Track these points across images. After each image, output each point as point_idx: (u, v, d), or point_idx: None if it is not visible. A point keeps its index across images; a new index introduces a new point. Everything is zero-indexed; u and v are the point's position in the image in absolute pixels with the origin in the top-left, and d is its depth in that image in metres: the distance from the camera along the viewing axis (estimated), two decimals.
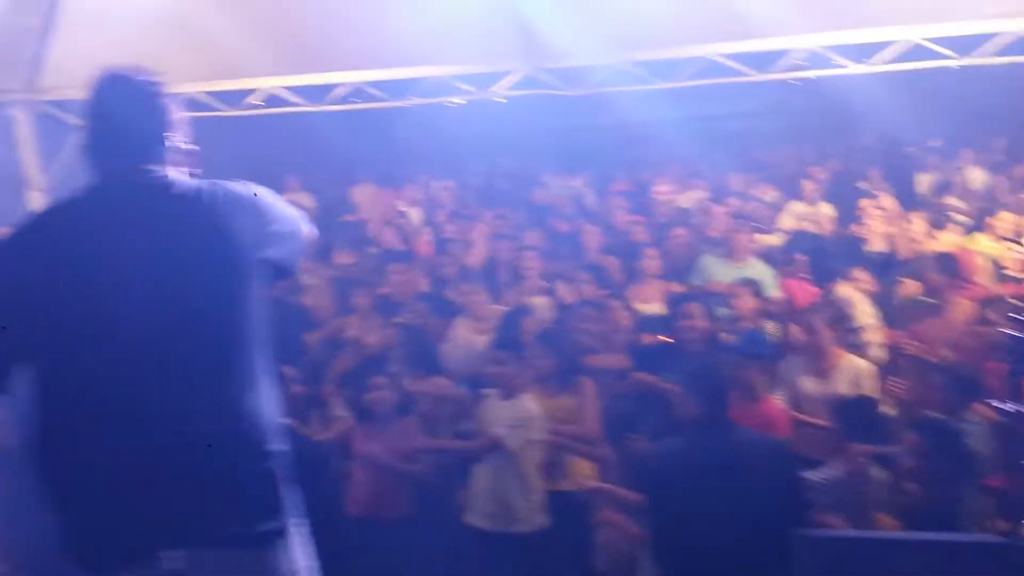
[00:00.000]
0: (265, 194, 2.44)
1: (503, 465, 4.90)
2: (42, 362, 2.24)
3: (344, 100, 8.65)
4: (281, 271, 2.46)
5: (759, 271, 6.70)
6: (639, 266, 6.84)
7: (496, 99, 8.72)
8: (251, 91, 8.61)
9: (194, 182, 2.36)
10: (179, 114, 2.41)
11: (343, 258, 7.82)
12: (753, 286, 5.90)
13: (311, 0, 7.19)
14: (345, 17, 7.10)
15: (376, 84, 8.64)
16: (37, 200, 9.64)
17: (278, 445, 2.34)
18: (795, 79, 8.43)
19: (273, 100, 8.68)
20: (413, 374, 5.46)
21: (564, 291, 6.61)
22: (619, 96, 9.52)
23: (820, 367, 5.14)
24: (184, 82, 8.91)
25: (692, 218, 8.70)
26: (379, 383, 5.24)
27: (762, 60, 7.96)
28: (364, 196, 11.78)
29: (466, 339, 5.93)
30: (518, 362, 5.00)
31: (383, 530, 5.07)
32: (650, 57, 7.85)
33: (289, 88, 8.58)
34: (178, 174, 2.37)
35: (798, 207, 9.17)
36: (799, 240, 7.14)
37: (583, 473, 5.10)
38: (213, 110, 9.15)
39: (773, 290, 6.37)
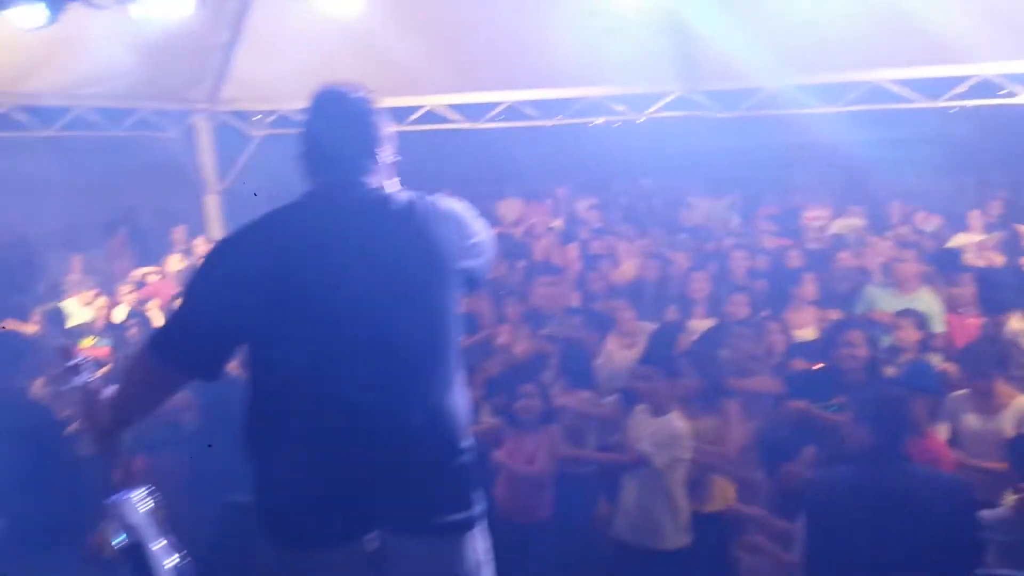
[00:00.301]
0: (465, 208, 2.59)
1: (650, 482, 4.92)
2: (260, 354, 2.43)
3: (498, 118, 8.91)
4: (473, 281, 2.59)
5: (927, 303, 6.52)
6: (793, 291, 6.75)
7: (650, 119, 8.82)
8: (417, 108, 8.96)
9: (404, 194, 2.51)
10: (388, 128, 2.56)
11: (495, 270, 8.01)
12: (917, 317, 5.74)
13: (483, 22, 7.41)
14: (512, 38, 7.31)
15: (532, 103, 8.88)
16: (213, 204, 10.36)
17: (470, 441, 2.48)
18: (959, 107, 8.20)
19: (432, 117, 9.02)
20: (564, 385, 5.55)
21: (713, 313, 6.61)
22: (774, 119, 9.48)
23: (987, 404, 4.94)
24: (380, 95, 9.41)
25: (848, 245, 8.50)
26: (527, 391, 5.31)
27: (931, 87, 7.77)
28: (510, 210, 12.02)
29: (615, 354, 5.99)
30: (668, 380, 5.02)
31: (522, 535, 5.14)
32: (817, 81, 7.72)
33: (451, 106, 8.92)
34: (389, 186, 2.53)
35: (963, 238, 8.83)
36: (967, 272, 6.86)
37: (727, 495, 5.08)
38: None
39: (939, 323, 6.17)
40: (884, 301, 6.63)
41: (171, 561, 2.44)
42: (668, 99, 8.57)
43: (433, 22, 7.26)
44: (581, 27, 7.02)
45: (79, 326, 7.10)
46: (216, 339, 2.39)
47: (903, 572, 3.35)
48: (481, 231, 2.61)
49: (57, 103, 8.49)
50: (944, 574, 3.35)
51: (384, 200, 2.46)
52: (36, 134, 8.70)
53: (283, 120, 10.06)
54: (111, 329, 7.00)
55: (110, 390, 2.52)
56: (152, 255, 11.31)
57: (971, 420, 4.94)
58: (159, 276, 9.06)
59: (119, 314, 7.48)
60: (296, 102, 9.67)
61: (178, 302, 2.53)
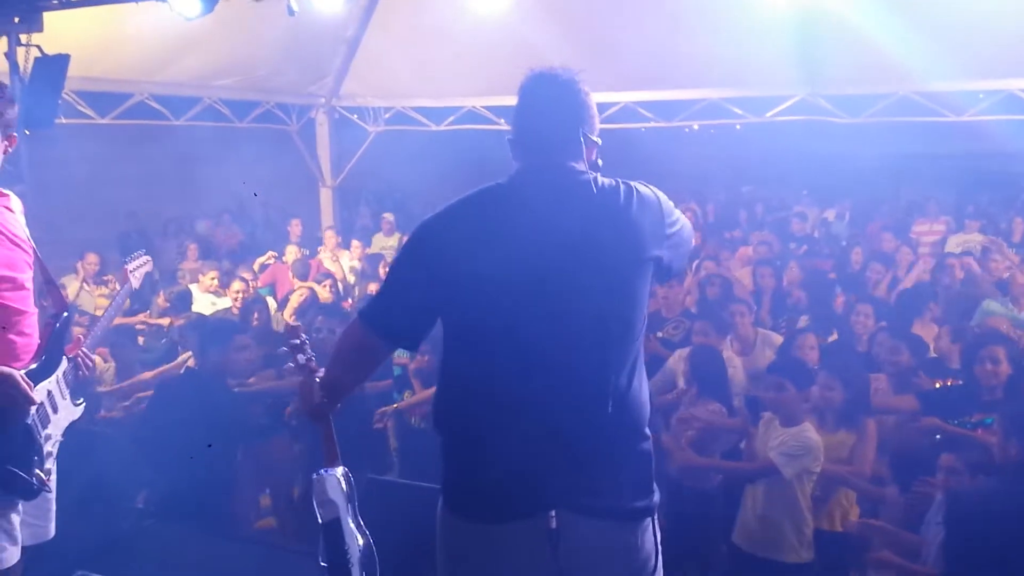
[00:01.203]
0: (665, 199, 2.59)
1: (776, 492, 4.82)
2: (456, 331, 2.51)
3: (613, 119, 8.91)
4: (668, 271, 2.60)
5: None
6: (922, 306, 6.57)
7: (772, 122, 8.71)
8: None
9: (606, 179, 2.53)
10: (594, 112, 2.57)
11: None
12: None
13: (613, 22, 7.43)
14: (638, 40, 7.30)
15: (646, 104, 8.85)
16: (327, 198, 10.63)
17: (649, 429, 2.51)
18: None
19: None
20: (695, 393, 5.46)
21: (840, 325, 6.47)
22: (889, 127, 9.27)
23: None
24: (465, 95, 9.56)
25: (963, 261, 8.20)
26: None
27: None
28: None
29: (732, 360, 5.90)
30: (799, 390, 4.91)
31: None
32: (939, 89, 7.53)
33: None
34: (593, 170, 2.54)
35: None
36: None
37: (850, 514, 4.96)
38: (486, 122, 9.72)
39: None
40: (1001, 316, 6.41)
41: (361, 540, 2.56)
42: (789, 103, 8.45)
43: (564, 22, 7.29)
44: (710, 28, 6.96)
45: (219, 312, 7.34)
46: (417, 313, 2.51)
47: None
48: (680, 222, 2.61)
49: (190, 93, 8.81)
50: None
51: (586, 184, 2.49)
52: (166, 123, 9.05)
53: (399, 116, 10.26)
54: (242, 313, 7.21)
55: (323, 369, 2.67)
56: (259, 247, 11.64)
57: None
58: (277, 262, 9.28)
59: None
60: (413, 99, 9.91)
61: (384, 278, 2.74)
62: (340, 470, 2.59)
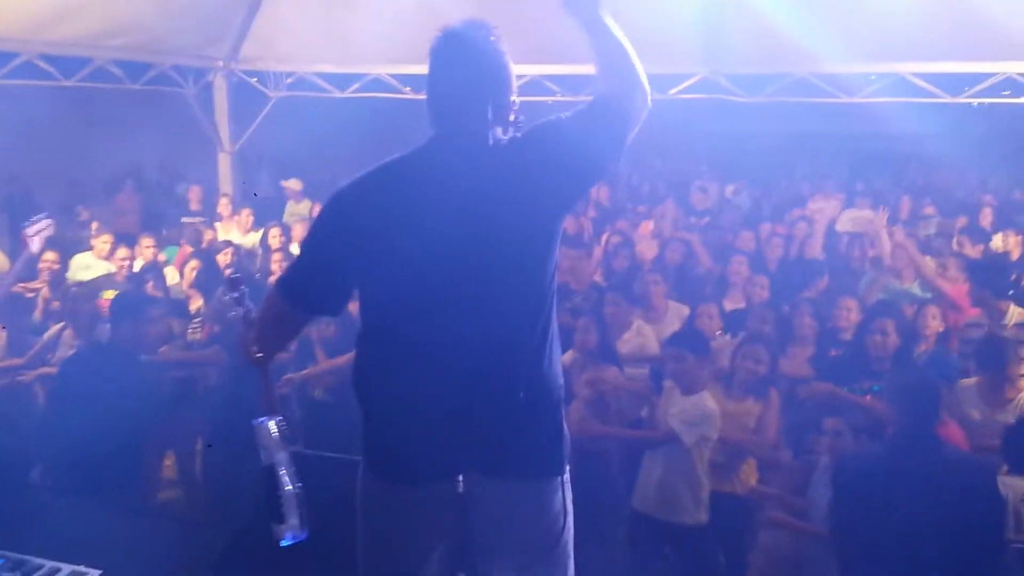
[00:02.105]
0: (555, 124, 2.50)
1: (675, 458, 4.97)
2: (369, 298, 2.54)
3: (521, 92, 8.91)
4: (595, 170, 2.58)
5: (919, 293, 6.63)
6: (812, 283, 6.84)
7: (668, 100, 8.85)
8: None
9: (507, 138, 2.49)
10: (510, 70, 2.51)
11: None
12: (941, 307, 5.83)
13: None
14: (547, 13, 7.29)
15: (552, 78, 8.89)
16: (225, 163, 10.35)
17: (561, 389, 2.57)
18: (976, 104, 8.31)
19: None
20: (590, 362, 5.57)
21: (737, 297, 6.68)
22: (787, 107, 9.56)
23: (995, 397, 4.99)
24: (370, 63, 9.41)
25: (855, 238, 8.56)
26: None
27: (954, 82, 7.86)
28: None
29: (642, 329, 6.04)
30: (700, 359, 5.05)
31: None
32: (843, 71, 7.79)
33: None
34: (513, 130, 2.51)
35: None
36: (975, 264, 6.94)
37: (751, 478, 5.15)
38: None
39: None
40: (883, 291, 6.73)
41: (294, 487, 2.58)
42: (692, 81, 8.61)
43: None
44: (621, 6, 7.00)
45: (100, 278, 7.08)
46: (332, 282, 2.53)
47: (930, 547, 3.48)
48: (571, 128, 2.47)
49: (79, 53, 8.44)
50: (969, 549, 3.47)
51: (495, 148, 2.47)
52: (56, 83, 8.65)
53: (301, 82, 10.04)
54: (131, 280, 7.00)
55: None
56: (158, 211, 11.30)
57: (975, 413, 5.01)
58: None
59: (136, 267, 7.48)
60: (315, 64, 9.71)
61: (300, 246, 2.70)
62: (275, 420, 2.61)
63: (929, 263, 6.90)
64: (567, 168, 2.46)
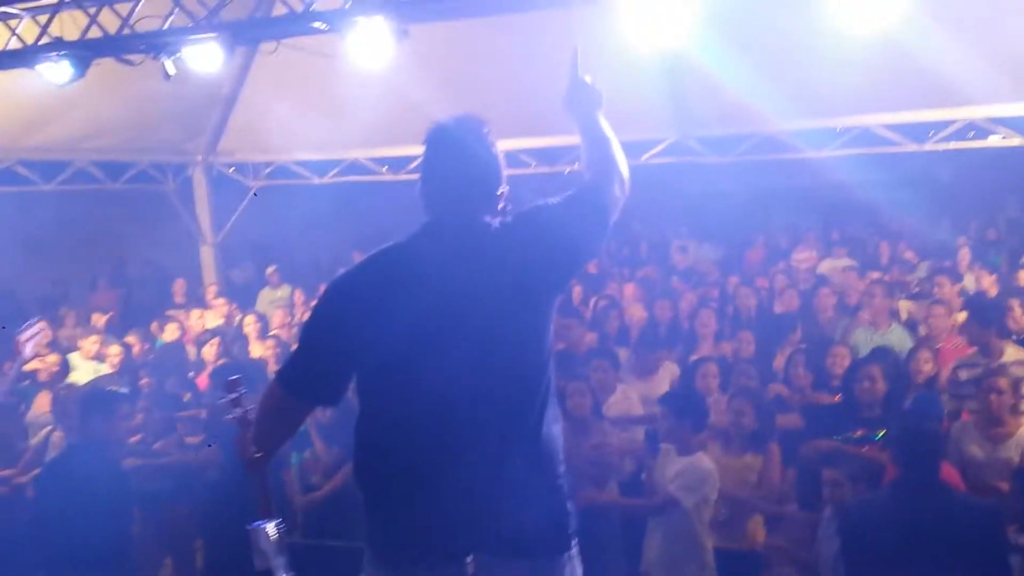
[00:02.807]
0: (543, 210, 2.61)
1: (675, 522, 4.94)
2: (368, 383, 2.54)
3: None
4: (584, 253, 2.75)
5: (899, 338, 6.70)
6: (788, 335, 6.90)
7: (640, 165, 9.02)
8: (414, 156, 9.11)
9: (504, 220, 2.57)
10: (501, 161, 2.59)
11: None
12: (931, 352, 5.88)
13: (490, 73, 7.60)
14: (519, 86, 7.49)
15: (527, 151, 9.07)
16: (208, 255, 10.40)
17: (563, 465, 2.58)
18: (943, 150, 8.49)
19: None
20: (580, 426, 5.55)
21: (728, 350, 6.73)
22: (758, 164, 9.76)
23: (992, 433, 5.02)
24: (347, 148, 9.58)
25: (834, 286, 8.65)
26: None
27: (918, 130, 8.06)
28: None
29: (628, 393, 6.06)
30: (694, 419, 5.06)
31: None
32: (810, 126, 8.00)
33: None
34: (501, 216, 2.58)
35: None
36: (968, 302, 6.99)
37: (758, 534, 5.13)
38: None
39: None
40: (861, 339, 6.78)
41: None
42: (662, 145, 8.80)
43: (443, 72, 7.42)
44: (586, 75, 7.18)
45: (98, 379, 7.06)
46: (332, 371, 2.54)
47: None
48: (559, 214, 2.59)
49: (59, 157, 8.55)
50: None
51: (487, 234, 2.54)
52: (37, 188, 8.74)
53: (280, 170, 10.18)
54: (125, 376, 7.00)
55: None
56: (141, 308, 11.27)
57: (976, 450, 5.03)
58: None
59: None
60: (294, 153, 9.86)
61: (298, 337, 2.71)
62: (273, 523, 2.60)
63: (906, 306, 6.98)
64: (557, 251, 2.57)
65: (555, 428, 2.58)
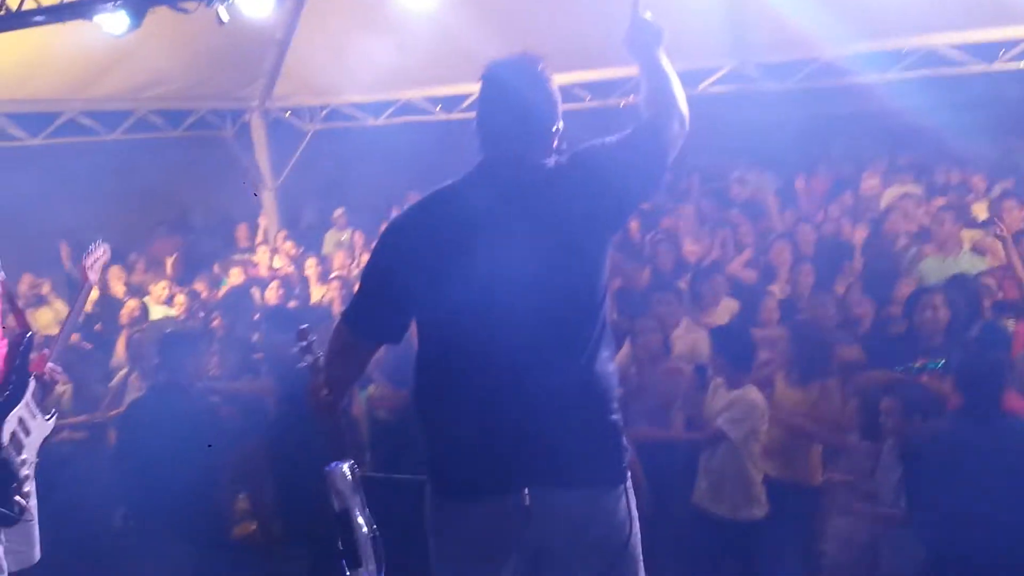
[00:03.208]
0: (599, 148, 2.62)
1: (727, 453, 4.97)
2: (428, 320, 2.62)
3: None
4: (644, 189, 2.71)
5: (968, 262, 6.56)
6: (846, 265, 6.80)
7: (696, 95, 8.85)
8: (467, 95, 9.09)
9: (554, 160, 2.59)
10: (557, 98, 2.61)
11: None
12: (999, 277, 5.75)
13: (541, 6, 7.50)
14: (569, 19, 7.39)
15: (581, 84, 8.95)
16: (269, 200, 10.56)
17: (617, 399, 2.63)
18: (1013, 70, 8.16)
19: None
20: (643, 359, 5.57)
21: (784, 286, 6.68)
22: (818, 91, 9.51)
23: None
24: (400, 88, 9.57)
25: (901, 212, 8.45)
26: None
27: (984, 50, 7.76)
28: None
29: (693, 329, 6.06)
30: (743, 354, 5.04)
31: None
32: (871, 48, 7.74)
33: None
34: (550, 157, 2.60)
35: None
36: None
37: (815, 465, 5.13)
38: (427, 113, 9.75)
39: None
40: (931, 266, 6.65)
41: (369, 530, 2.68)
42: (720, 73, 8.62)
43: (494, 8, 7.34)
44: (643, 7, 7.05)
45: (161, 320, 7.30)
46: (393, 309, 2.62)
47: (1004, 517, 3.45)
48: (617, 151, 2.59)
49: (120, 107, 8.70)
50: None
51: (539, 174, 2.56)
52: (100, 139, 8.92)
53: (335, 113, 10.23)
54: (194, 319, 7.23)
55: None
56: (204, 254, 11.51)
57: None
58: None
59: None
60: (348, 95, 9.89)
61: (360, 277, 2.83)
62: (347, 463, 2.69)
63: (970, 235, 6.79)
64: (614, 191, 2.58)
65: (609, 366, 2.62)
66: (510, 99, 2.55)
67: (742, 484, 4.88)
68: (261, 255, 9.64)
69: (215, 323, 6.84)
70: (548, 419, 2.51)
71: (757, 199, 10.46)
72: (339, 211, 10.75)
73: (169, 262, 9.89)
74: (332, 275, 8.22)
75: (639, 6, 2.77)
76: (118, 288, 8.47)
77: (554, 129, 2.59)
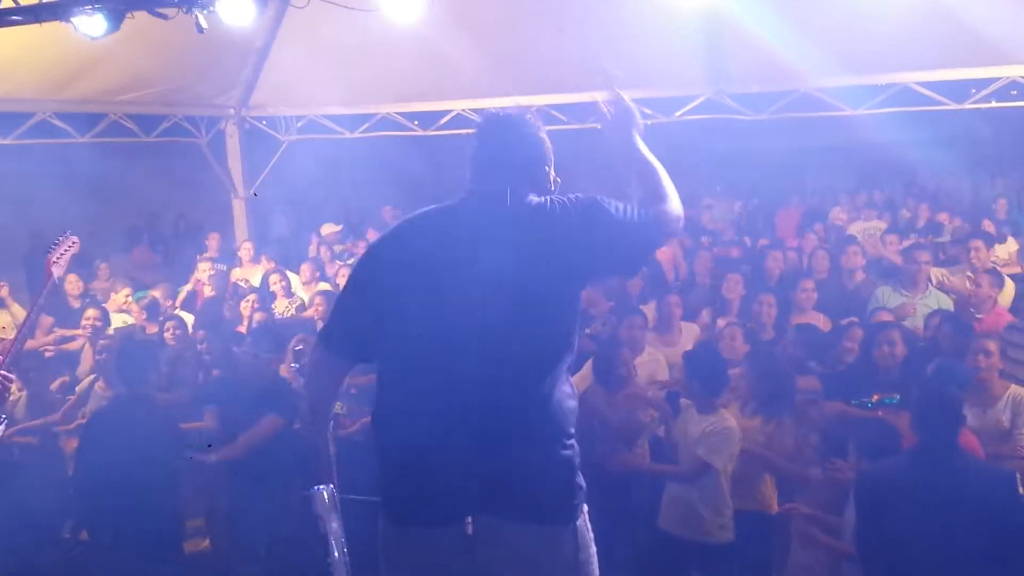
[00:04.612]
0: (592, 205, 2.66)
1: (703, 480, 4.96)
2: (392, 345, 2.62)
3: None
4: (611, 270, 2.94)
5: (939, 301, 6.62)
6: (798, 295, 6.86)
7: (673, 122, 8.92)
8: (447, 112, 9.10)
9: (544, 200, 2.65)
10: (548, 155, 2.71)
11: None
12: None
13: (523, 29, 7.54)
14: (548, 46, 7.43)
15: (557, 107, 8.99)
16: (240, 209, 10.48)
17: (572, 436, 2.62)
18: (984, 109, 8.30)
19: (461, 121, 9.15)
20: (604, 386, 5.57)
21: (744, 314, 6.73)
22: (793, 122, 9.61)
23: (982, 398, 5.00)
24: (379, 102, 9.56)
25: (866, 246, 8.52)
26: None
27: (957, 89, 7.90)
28: None
29: (656, 353, 6.07)
30: (716, 379, 5.06)
31: None
32: (848, 83, 7.86)
33: (473, 110, 9.03)
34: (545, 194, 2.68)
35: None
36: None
37: (770, 495, 5.14)
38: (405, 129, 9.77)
39: None
40: (894, 301, 6.70)
41: (341, 552, 2.71)
42: (697, 102, 8.69)
43: (476, 28, 7.37)
44: (619, 30, 7.13)
45: (129, 327, 7.22)
46: (366, 331, 2.66)
47: (955, 559, 3.46)
48: (614, 219, 2.62)
49: (94, 110, 8.62)
50: (994, 561, 3.47)
51: (526, 209, 2.61)
52: (73, 141, 8.83)
53: (311, 124, 10.19)
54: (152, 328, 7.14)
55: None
56: (174, 260, 11.43)
57: (969, 416, 5.00)
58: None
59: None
60: (326, 107, 9.86)
61: (337, 296, 2.90)
62: (328, 487, 2.72)
63: (937, 273, 6.88)
64: (606, 255, 2.64)
65: (569, 402, 2.63)
66: (503, 142, 2.67)
67: (716, 508, 4.88)
68: (234, 269, 9.56)
69: (168, 335, 6.74)
70: (497, 451, 2.51)
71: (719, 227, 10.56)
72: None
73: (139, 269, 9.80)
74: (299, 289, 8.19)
75: (614, 87, 2.93)
76: (73, 291, 8.30)
77: (547, 171, 2.68)
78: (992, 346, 5.05)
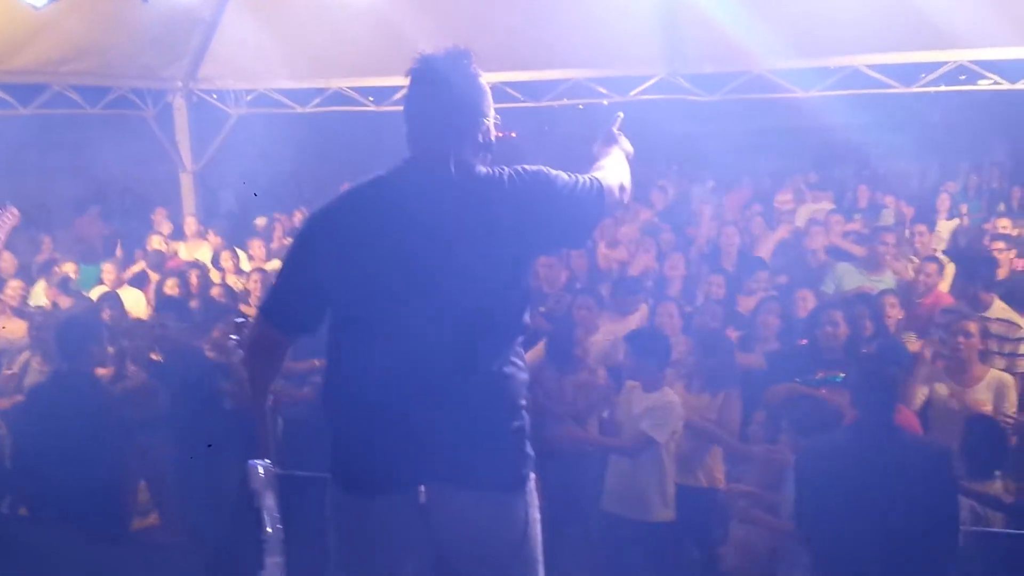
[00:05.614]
0: (549, 174, 2.62)
1: (644, 456, 5.01)
2: (339, 315, 2.61)
3: None
4: (560, 242, 2.92)
5: (889, 283, 6.76)
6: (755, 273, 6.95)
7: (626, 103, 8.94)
8: (399, 87, 8.98)
9: (490, 168, 2.59)
10: (486, 98, 2.58)
11: None
12: (898, 297, 5.93)
13: (478, 4, 7.48)
14: (505, 19, 7.39)
15: (513, 84, 8.96)
16: (187, 183, 10.31)
17: (522, 406, 2.64)
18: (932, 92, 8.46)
19: None
20: (557, 363, 5.59)
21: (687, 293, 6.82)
22: (747, 104, 9.70)
23: (961, 377, 5.11)
24: (331, 77, 9.43)
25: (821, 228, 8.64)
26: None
27: (907, 72, 8.02)
28: None
29: (609, 331, 6.11)
30: (658, 356, 5.09)
31: None
32: (799, 65, 7.93)
33: None
34: (485, 152, 2.60)
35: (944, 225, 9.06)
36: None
37: (717, 472, 5.21)
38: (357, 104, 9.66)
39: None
40: (853, 280, 6.84)
41: (276, 527, 2.68)
42: (651, 82, 8.71)
43: (433, 5, 7.31)
44: (575, 8, 7.12)
45: (72, 304, 7.06)
46: (308, 304, 2.62)
47: (890, 534, 3.55)
48: (565, 192, 2.60)
49: (36, 80, 8.41)
50: (927, 535, 3.57)
51: (465, 175, 2.54)
52: (15, 112, 8.62)
53: (261, 99, 10.04)
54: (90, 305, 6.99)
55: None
56: (122, 233, 11.22)
57: (943, 388, 5.12)
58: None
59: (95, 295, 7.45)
60: (276, 81, 9.71)
61: (279, 268, 2.79)
62: (265, 462, 2.69)
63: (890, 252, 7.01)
64: (549, 225, 2.60)
65: (520, 375, 2.63)
66: (440, 92, 2.51)
67: (658, 486, 4.93)
68: (180, 245, 9.41)
69: (105, 313, 6.62)
70: (448, 420, 2.51)
71: (675, 209, 10.61)
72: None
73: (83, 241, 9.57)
74: (251, 267, 8.09)
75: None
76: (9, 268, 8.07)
77: (484, 122, 2.58)
78: (972, 327, 5.09)
